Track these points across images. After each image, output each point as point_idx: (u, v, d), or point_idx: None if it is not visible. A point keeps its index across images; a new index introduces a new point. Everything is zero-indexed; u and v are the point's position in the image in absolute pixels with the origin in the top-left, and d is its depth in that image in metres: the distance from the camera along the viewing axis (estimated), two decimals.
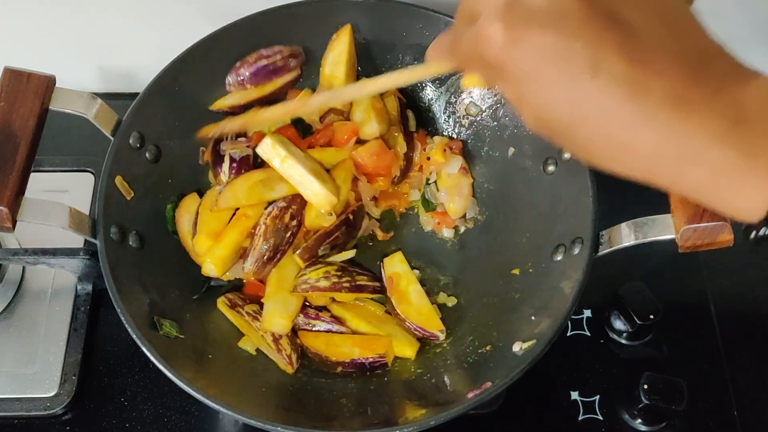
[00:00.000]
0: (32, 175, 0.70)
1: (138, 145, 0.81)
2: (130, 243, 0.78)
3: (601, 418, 0.85)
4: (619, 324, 0.89)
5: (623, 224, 0.71)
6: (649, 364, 0.88)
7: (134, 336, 0.70)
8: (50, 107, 0.74)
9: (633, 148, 0.41)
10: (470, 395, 0.71)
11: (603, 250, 0.73)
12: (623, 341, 0.90)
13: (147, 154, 0.83)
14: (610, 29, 0.40)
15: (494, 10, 0.42)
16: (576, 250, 0.75)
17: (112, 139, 0.79)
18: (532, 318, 0.76)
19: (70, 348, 0.86)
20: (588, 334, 0.91)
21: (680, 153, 0.40)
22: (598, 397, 0.87)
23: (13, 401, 0.83)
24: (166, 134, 0.85)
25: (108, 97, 0.78)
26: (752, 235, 0.43)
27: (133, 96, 0.82)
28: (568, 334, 0.90)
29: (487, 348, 0.79)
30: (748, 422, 0.86)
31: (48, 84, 0.74)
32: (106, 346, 0.88)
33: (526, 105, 0.45)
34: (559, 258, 0.78)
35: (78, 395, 0.84)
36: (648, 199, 0.62)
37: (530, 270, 0.83)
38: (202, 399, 0.68)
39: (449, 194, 0.91)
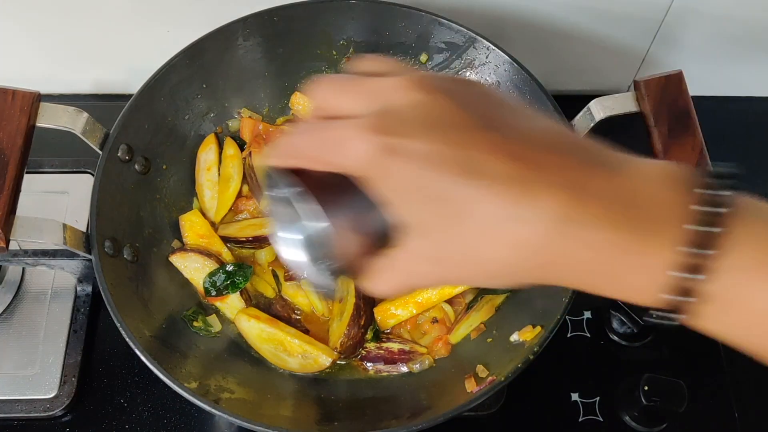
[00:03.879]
0: (32, 176, 0.69)
1: (127, 158, 0.81)
2: (125, 256, 0.78)
3: (601, 419, 0.85)
4: (618, 325, 0.89)
5: None
6: (649, 366, 0.88)
7: (136, 350, 0.70)
8: (37, 123, 0.74)
9: (523, 245, 0.40)
10: (475, 390, 0.71)
11: None
12: (623, 342, 0.89)
13: (136, 166, 0.82)
14: (487, 131, 0.39)
15: (366, 118, 0.39)
16: None
17: (100, 152, 0.78)
18: (532, 309, 0.77)
19: (69, 349, 0.86)
20: (588, 335, 0.91)
21: (574, 242, 0.39)
22: (598, 398, 0.87)
23: (12, 403, 0.83)
24: (155, 146, 0.85)
25: (107, 99, 0.78)
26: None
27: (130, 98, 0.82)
28: (568, 335, 0.90)
29: (488, 341, 0.80)
30: (748, 423, 0.86)
31: (33, 100, 0.73)
32: (105, 347, 0.88)
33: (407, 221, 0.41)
34: None
35: (78, 397, 0.84)
36: None
37: None
38: (210, 409, 0.69)
39: None
